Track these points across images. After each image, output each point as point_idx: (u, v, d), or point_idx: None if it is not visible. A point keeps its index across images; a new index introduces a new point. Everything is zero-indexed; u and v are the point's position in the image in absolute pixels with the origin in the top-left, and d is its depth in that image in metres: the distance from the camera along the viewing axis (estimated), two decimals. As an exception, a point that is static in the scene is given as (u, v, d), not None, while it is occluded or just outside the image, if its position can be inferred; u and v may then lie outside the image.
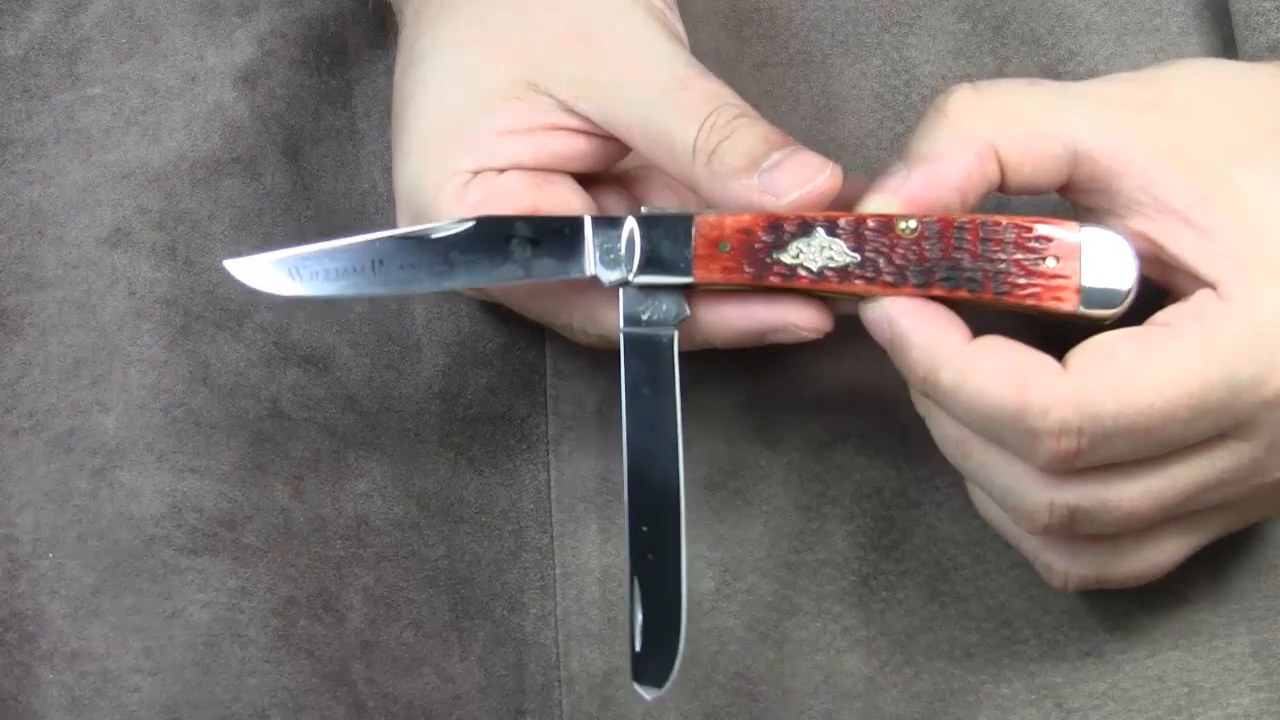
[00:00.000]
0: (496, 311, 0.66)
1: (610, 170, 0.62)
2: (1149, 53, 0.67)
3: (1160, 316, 0.55)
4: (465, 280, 0.58)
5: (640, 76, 0.58)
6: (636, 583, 0.55)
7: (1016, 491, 0.56)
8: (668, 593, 0.55)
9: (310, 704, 0.60)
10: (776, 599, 0.63)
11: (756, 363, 0.65)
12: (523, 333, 0.67)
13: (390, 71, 0.69)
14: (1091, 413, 0.53)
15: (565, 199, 0.60)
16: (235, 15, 0.68)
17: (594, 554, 0.64)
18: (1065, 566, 0.58)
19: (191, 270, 0.65)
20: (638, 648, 0.55)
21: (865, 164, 0.65)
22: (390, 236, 0.58)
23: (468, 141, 0.59)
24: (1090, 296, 0.56)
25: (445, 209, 0.59)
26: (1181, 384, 0.53)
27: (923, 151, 0.57)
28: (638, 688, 0.55)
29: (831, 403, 0.64)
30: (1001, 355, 0.54)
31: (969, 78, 0.67)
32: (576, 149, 0.60)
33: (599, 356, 0.64)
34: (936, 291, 0.56)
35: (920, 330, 0.55)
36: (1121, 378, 0.54)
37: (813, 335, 0.58)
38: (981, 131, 0.56)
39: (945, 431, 0.57)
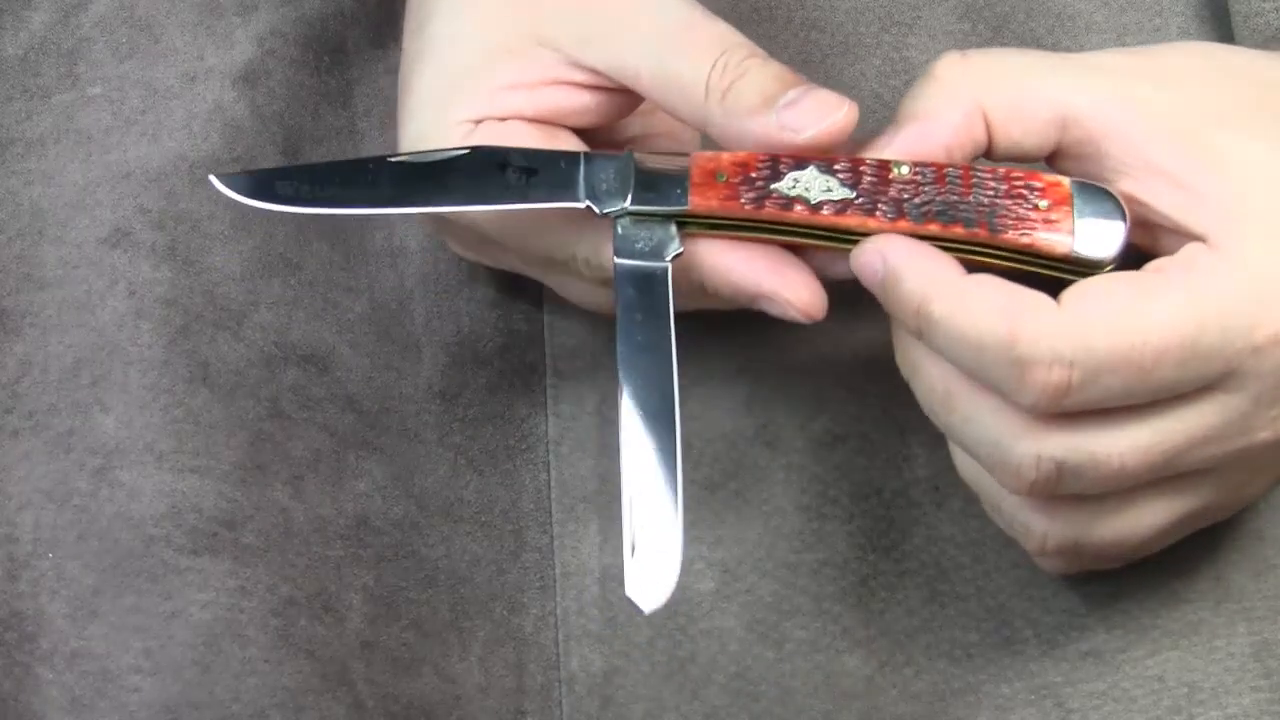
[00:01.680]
0: (496, 311, 0.66)
1: (613, 127, 0.62)
2: (1149, 53, 0.67)
3: (1151, 265, 0.56)
4: (458, 202, 0.58)
5: (647, 22, 0.58)
6: (631, 497, 0.55)
7: (1003, 445, 0.55)
8: (664, 507, 0.55)
9: (310, 704, 0.60)
10: (776, 599, 0.63)
11: (757, 363, 0.65)
12: (523, 333, 0.67)
13: (390, 71, 0.69)
14: (1084, 345, 0.53)
15: (568, 146, 0.60)
16: (235, 15, 0.68)
17: (594, 554, 0.64)
18: (1044, 527, 0.57)
19: (191, 270, 0.65)
20: (630, 560, 0.54)
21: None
22: (384, 158, 0.59)
23: (470, 94, 0.60)
24: (1084, 239, 0.56)
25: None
26: (1174, 324, 0.54)
27: (911, 110, 0.57)
28: (632, 598, 0.54)
29: (831, 403, 0.64)
30: (995, 287, 0.55)
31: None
32: (581, 103, 0.60)
33: (599, 357, 0.64)
34: (932, 227, 0.56)
35: (913, 264, 0.55)
36: (1115, 313, 0.54)
37: (802, 316, 0.58)
38: (969, 92, 0.57)
39: (931, 382, 0.57)
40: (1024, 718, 0.61)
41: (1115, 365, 0.54)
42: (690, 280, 0.59)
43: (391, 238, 0.67)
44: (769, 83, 0.57)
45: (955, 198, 0.56)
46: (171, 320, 0.64)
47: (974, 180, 0.56)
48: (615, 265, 0.57)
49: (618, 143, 0.63)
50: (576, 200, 0.58)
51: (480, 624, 0.64)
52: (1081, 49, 0.67)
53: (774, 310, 0.58)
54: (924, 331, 0.56)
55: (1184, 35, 0.67)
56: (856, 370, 0.64)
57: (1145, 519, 0.57)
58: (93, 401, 0.63)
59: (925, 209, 0.56)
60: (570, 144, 0.60)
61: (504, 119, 0.60)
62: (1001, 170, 0.57)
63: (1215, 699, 0.60)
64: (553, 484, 0.65)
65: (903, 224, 0.56)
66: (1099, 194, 0.56)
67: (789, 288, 0.58)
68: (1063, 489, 0.56)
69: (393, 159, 0.59)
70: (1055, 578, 0.62)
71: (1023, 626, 0.62)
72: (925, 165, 0.57)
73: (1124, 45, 0.67)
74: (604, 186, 0.58)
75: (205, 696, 0.59)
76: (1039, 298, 0.54)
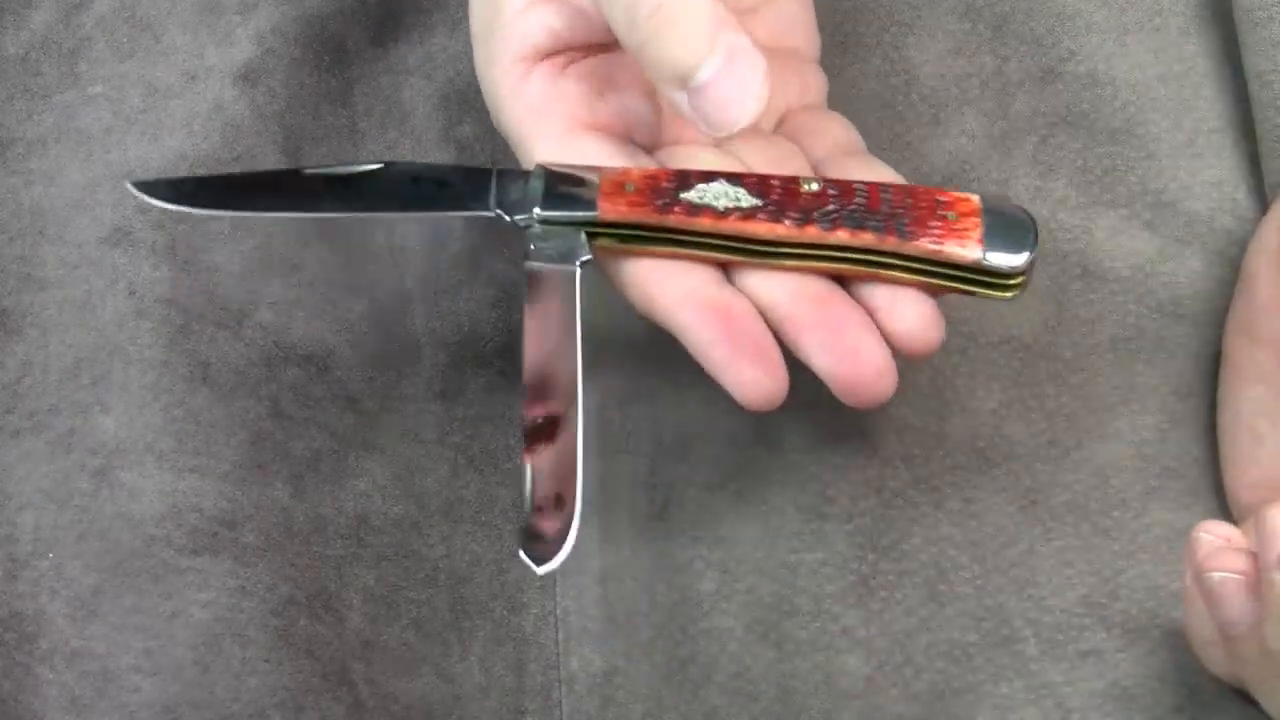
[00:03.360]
0: (496, 311, 0.66)
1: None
2: (1149, 52, 0.67)
3: None
4: (370, 210, 0.59)
5: None
6: (529, 466, 0.55)
7: None
8: (562, 472, 0.55)
9: (310, 704, 0.60)
10: (776, 599, 0.63)
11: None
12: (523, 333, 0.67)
13: (390, 71, 0.69)
14: None
15: (628, 108, 0.59)
16: (235, 14, 0.68)
17: (594, 554, 0.64)
18: None
19: (191, 270, 0.65)
20: (526, 521, 0.55)
21: (865, 164, 0.65)
22: (299, 170, 0.59)
23: (500, 27, 0.59)
24: (994, 249, 0.56)
25: (507, 107, 0.59)
26: None
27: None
28: (524, 557, 0.54)
29: (831, 403, 0.64)
30: None
31: (969, 77, 0.68)
32: (594, 14, 0.58)
33: (598, 356, 0.64)
34: (840, 234, 0.56)
35: None
36: None
37: (748, 406, 0.56)
38: None
39: None
40: (1024, 717, 0.61)
41: None
42: (651, 317, 0.58)
43: (391, 237, 0.67)
44: (683, 53, 0.54)
45: (863, 207, 0.56)
46: (172, 320, 0.64)
47: (882, 196, 0.56)
48: (526, 269, 0.57)
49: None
50: (487, 210, 0.58)
51: (480, 624, 0.64)
52: (1081, 49, 0.67)
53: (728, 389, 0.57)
54: None
55: (1184, 35, 0.67)
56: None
57: None
58: (93, 401, 0.63)
59: (834, 217, 0.56)
60: (630, 85, 0.59)
61: (548, 55, 0.59)
62: (910, 187, 0.57)
63: (1215, 699, 0.60)
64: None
65: (810, 230, 0.56)
66: (1008, 207, 0.56)
67: (739, 385, 0.56)
68: None
69: (308, 171, 0.59)
70: (1056, 580, 0.62)
71: (1022, 626, 0.62)
72: (834, 181, 0.57)
73: (1124, 45, 0.67)
74: (514, 196, 0.58)
75: (205, 696, 0.59)
76: None
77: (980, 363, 0.64)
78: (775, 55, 0.56)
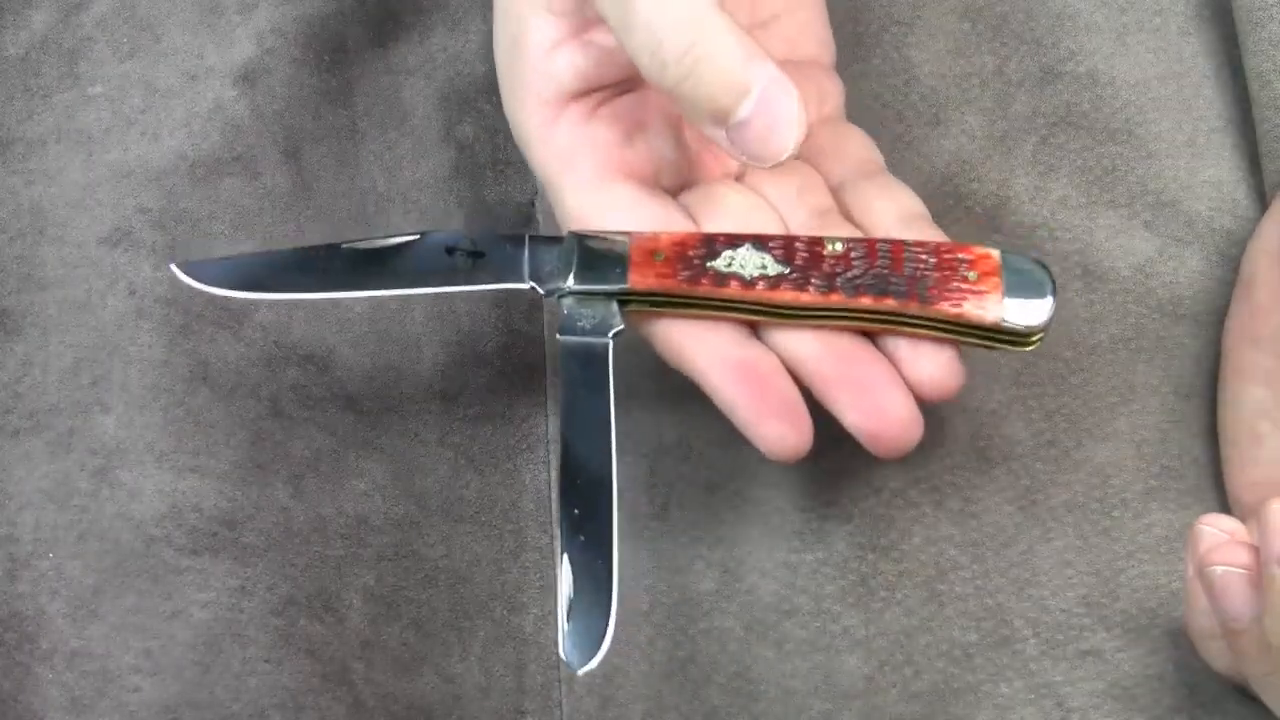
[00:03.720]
0: (496, 311, 0.66)
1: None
2: (1149, 52, 0.67)
3: None
4: (406, 287, 0.59)
5: None
6: (566, 560, 0.55)
7: None
8: (598, 571, 0.55)
9: (310, 704, 0.60)
10: (776, 599, 0.63)
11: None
12: (523, 333, 0.67)
13: (390, 71, 0.70)
14: None
15: (657, 150, 0.60)
16: (235, 14, 0.68)
17: (594, 554, 0.64)
18: None
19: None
20: (565, 623, 0.55)
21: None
22: (336, 245, 0.59)
23: (527, 68, 0.59)
24: (1014, 308, 0.57)
25: (536, 151, 0.59)
26: None
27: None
28: (564, 657, 0.54)
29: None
30: None
31: (969, 77, 0.68)
32: (620, 52, 0.58)
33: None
34: (864, 300, 0.57)
35: None
36: None
37: (775, 460, 0.58)
38: None
39: None
40: (1024, 717, 0.61)
41: None
42: (679, 368, 0.59)
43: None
44: (719, 93, 0.55)
45: (886, 271, 0.57)
46: (172, 320, 0.64)
47: (906, 254, 0.57)
48: (559, 342, 0.58)
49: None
50: (521, 281, 0.58)
51: (480, 624, 0.64)
52: (1082, 49, 0.67)
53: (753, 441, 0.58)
54: None
55: (1184, 35, 0.67)
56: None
57: None
58: (93, 401, 0.63)
59: (857, 283, 0.57)
60: (659, 128, 0.60)
61: (577, 95, 0.59)
62: (932, 244, 0.57)
63: (1215, 699, 0.60)
64: (553, 484, 0.65)
65: (835, 297, 0.57)
66: (1027, 264, 0.57)
67: (766, 440, 0.57)
68: None
69: (345, 245, 0.59)
70: (1056, 580, 0.62)
71: (1022, 626, 0.62)
72: (858, 241, 0.57)
73: (1124, 45, 0.67)
74: (547, 268, 0.58)
75: (205, 696, 0.59)
76: None
77: (980, 363, 0.64)
78: (793, 68, 0.56)
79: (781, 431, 0.57)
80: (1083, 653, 0.61)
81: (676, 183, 0.61)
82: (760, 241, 0.58)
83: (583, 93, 0.59)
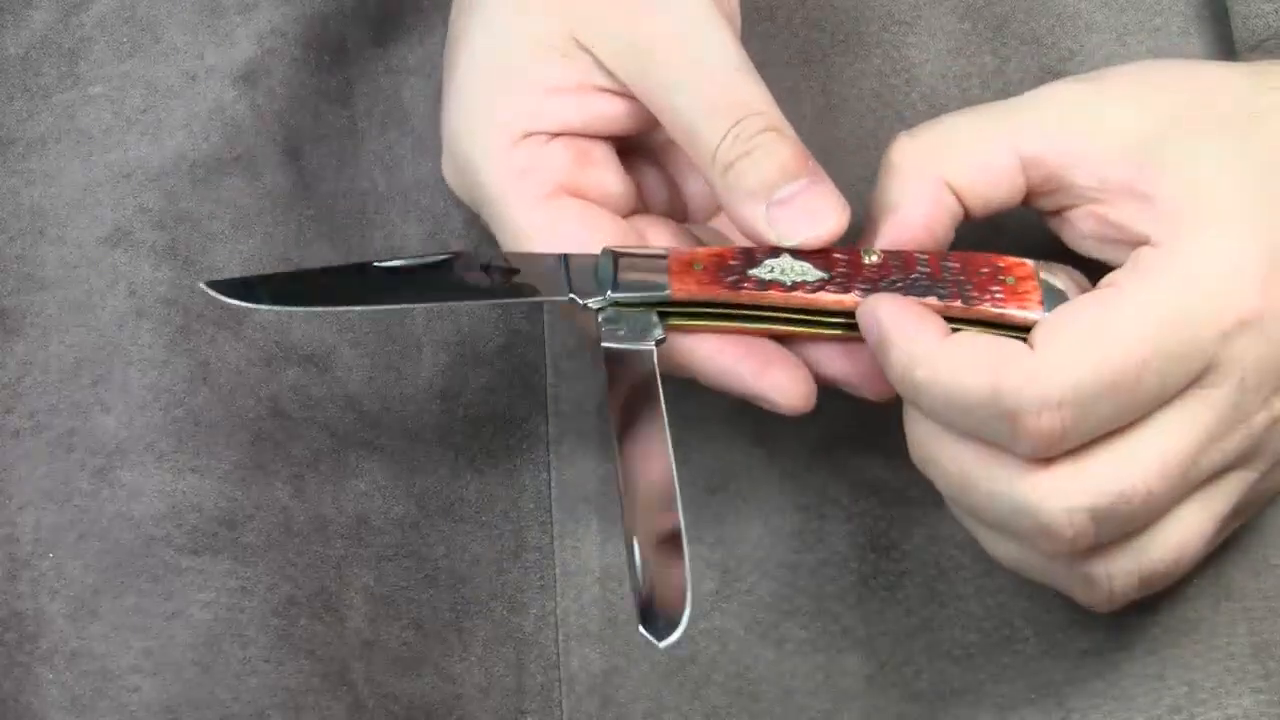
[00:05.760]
0: (496, 311, 0.66)
1: (649, 135, 0.62)
2: (1149, 53, 0.67)
3: (1103, 282, 0.56)
4: (446, 299, 0.60)
5: (678, 58, 0.59)
6: (636, 542, 0.55)
7: (1029, 512, 0.55)
8: (669, 546, 0.55)
9: (310, 704, 0.60)
10: (776, 599, 0.63)
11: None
12: (523, 333, 0.67)
13: (390, 71, 0.69)
14: (1066, 382, 0.53)
15: (605, 182, 0.61)
16: (236, 14, 0.68)
17: (594, 554, 0.64)
18: (1104, 572, 0.57)
19: (191, 270, 0.65)
20: (643, 596, 0.55)
21: (865, 164, 0.64)
22: (370, 263, 0.59)
23: (517, 95, 0.60)
24: (1052, 308, 0.57)
25: (491, 166, 0.60)
26: (1141, 331, 0.54)
27: (882, 204, 0.58)
28: (645, 634, 0.54)
29: (830, 403, 0.64)
30: (969, 345, 0.55)
31: (969, 77, 0.68)
32: (621, 111, 0.60)
33: (599, 356, 0.64)
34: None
35: (898, 327, 0.56)
36: (1085, 342, 0.54)
37: (789, 412, 0.59)
38: (928, 170, 0.58)
39: (944, 466, 0.56)
40: (1024, 717, 0.61)
41: (1100, 392, 0.53)
42: (682, 372, 0.60)
43: (391, 237, 0.67)
44: (771, 171, 0.57)
45: (925, 277, 0.57)
46: (172, 320, 0.64)
47: (942, 266, 0.57)
48: (603, 350, 0.58)
49: (653, 148, 0.63)
50: (561, 294, 0.58)
51: (480, 624, 0.64)
52: (1082, 49, 0.67)
53: (766, 407, 0.59)
54: (914, 398, 0.56)
55: (1184, 35, 0.67)
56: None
57: (1193, 527, 0.57)
58: (93, 401, 0.63)
59: (898, 285, 0.57)
60: (610, 174, 0.61)
61: (551, 135, 0.60)
62: (966, 254, 0.58)
63: (1215, 699, 0.60)
64: (553, 484, 0.65)
65: None
66: (1063, 270, 0.58)
67: (775, 389, 0.58)
68: (1104, 535, 0.55)
69: (379, 264, 0.59)
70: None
71: (1023, 626, 0.62)
72: (895, 253, 0.58)
73: (1124, 45, 0.67)
74: (584, 280, 0.58)
75: (205, 696, 0.59)
76: (1014, 346, 0.54)
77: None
78: None
79: (787, 376, 0.58)
80: (1083, 652, 0.61)
81: (623, 214, 0.62)
82: (797, 253, 0.58)
83: (559, 134, 0.60)
